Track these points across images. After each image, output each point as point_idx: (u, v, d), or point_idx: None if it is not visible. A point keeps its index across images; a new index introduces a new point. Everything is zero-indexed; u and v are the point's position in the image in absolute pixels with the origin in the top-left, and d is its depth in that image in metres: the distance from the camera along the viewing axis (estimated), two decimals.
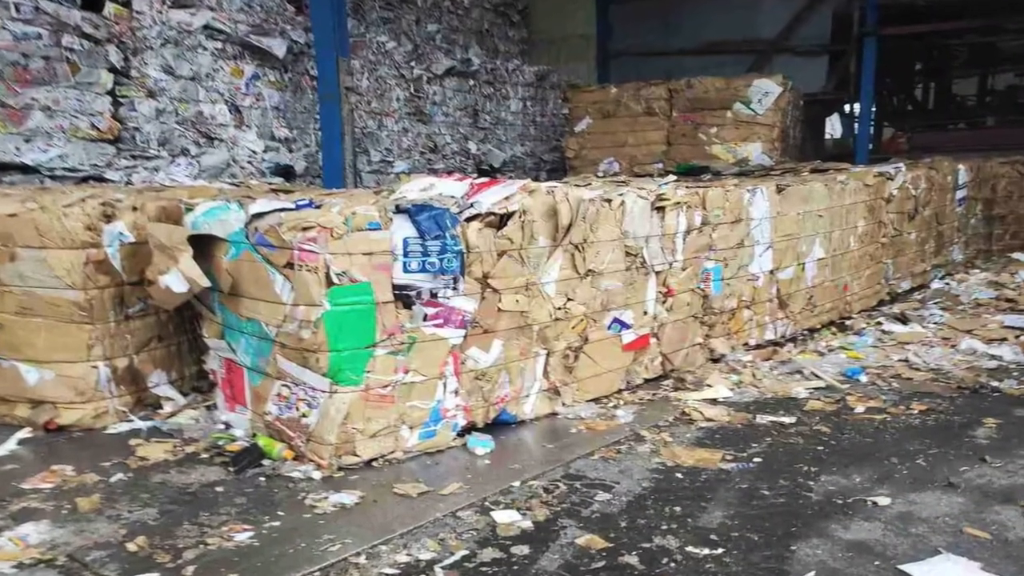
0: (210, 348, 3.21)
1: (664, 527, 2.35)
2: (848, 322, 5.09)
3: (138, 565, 2.15)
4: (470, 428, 3.09)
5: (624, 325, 3.63)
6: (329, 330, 2.66)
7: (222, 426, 3.14)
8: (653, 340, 3.81)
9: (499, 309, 3.05)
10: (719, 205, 4.03)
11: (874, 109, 11.62)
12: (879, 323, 5.03)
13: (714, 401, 3.56)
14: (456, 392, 3.00)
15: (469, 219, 2.93)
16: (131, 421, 3.24)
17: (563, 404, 3.41)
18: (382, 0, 8.66)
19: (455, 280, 2.88)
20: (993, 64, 14.11)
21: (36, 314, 3.14)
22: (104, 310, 3.17)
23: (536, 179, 3.94)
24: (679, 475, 2.76)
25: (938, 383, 3.82)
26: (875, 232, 5.40)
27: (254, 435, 2.98)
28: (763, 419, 3.33)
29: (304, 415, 2.79)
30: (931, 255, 6.35)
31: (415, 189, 3.10)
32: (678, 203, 3.76)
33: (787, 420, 3.31)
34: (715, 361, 4.15)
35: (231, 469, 2.77)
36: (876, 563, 2.14)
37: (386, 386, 2.80)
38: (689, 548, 2.22)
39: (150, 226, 3.09)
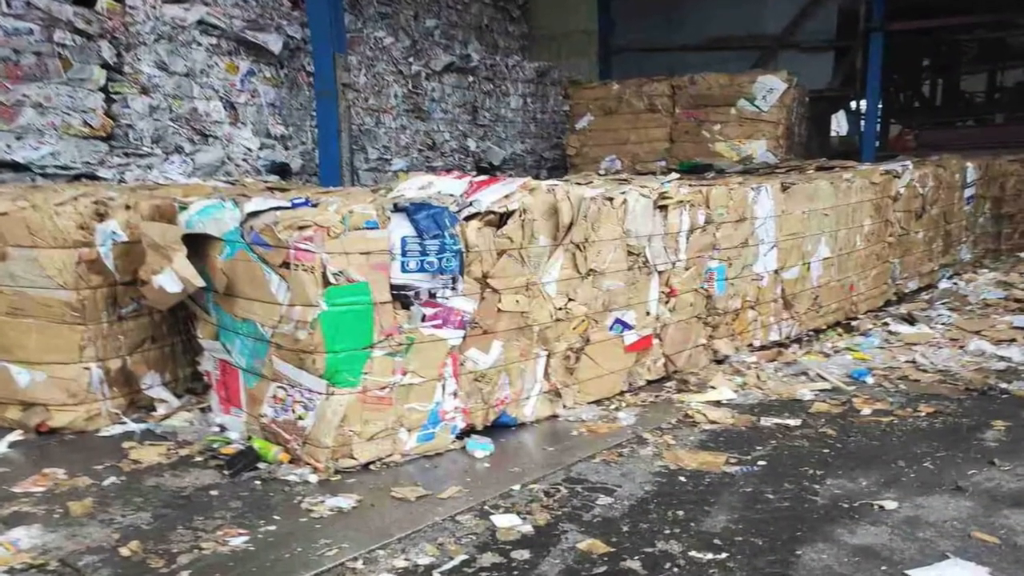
0: (204, 349, 3.19)
1: (667, 531, 2.33)
2: (854, 323, 5.07)
3: (131, 570, 2.13)
4: (469, 431, 3.07)
5: (626, 326, 3.61)
6: (326, 331, 2.64)
7: (217, 429, 3.12)
8: (656, 341, 3.79)
9: (499, 309, 3.03)
10: (723, 203, 4.00)
11: (881, 106, 11.59)
12: (886, 324, 5.01)
13: (718, 403, 3.54)
14: (455, 394, 2.97)
15: (468, 218, 2.91)
16: (124, 423, 3.22)
17: (564, 406, 3.39)
18: None
19: (454, 280, 2.86)
20: (1002, 60, 14.09)
21: (27, 315, 3.12)
22: (97, 310, 3.15)
23: (536, 177, 3.92)
24: (682, 478, 2.74)
25: (946, 385, 3.80)
26: (882, 231, 5.38)
27: (249, 438, 2.96)
28: (768, 421, 3.31)
29: (300, 417, 2.77)
30: (939, 254, 6.33)
31: (413, 187, 3.08)
32: (681, 201, 3.74)
33: (792, 422, 3.30)
34: (719, 362, 4.13)
35: (226, 472, 2.74)
36: (883, 568, 2.12)
37: (384, 388, 2.77)
38: (692, 553, 2.20)
39: (143, 225, 3.07)
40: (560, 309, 3.28)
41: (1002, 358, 4.19)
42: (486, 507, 2.50)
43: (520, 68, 10.01)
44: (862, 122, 11.20)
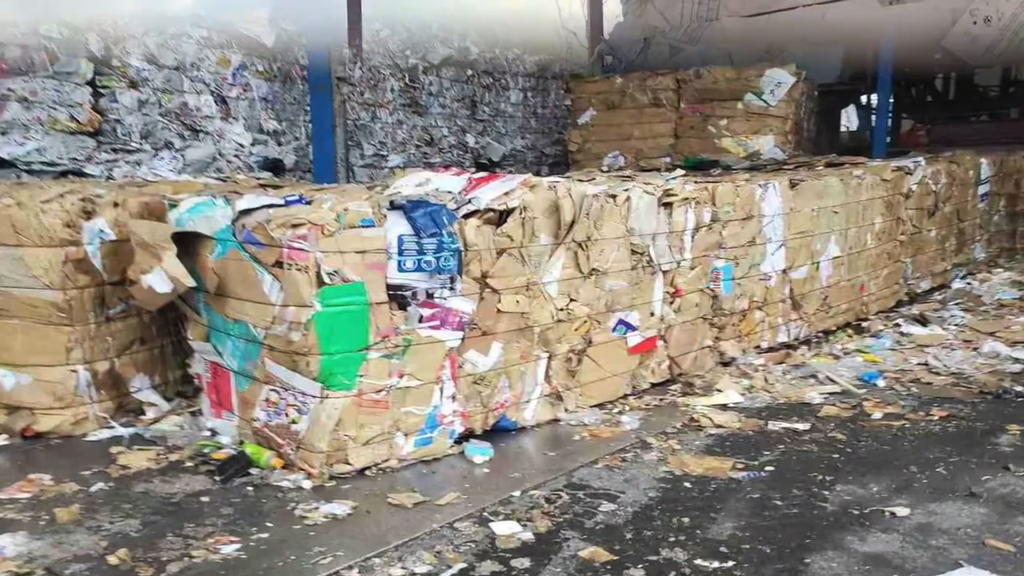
0: (195, 351, 3.18)
1: (672, 539, 2.31)
2: (865, 324, 5.07)
3: None
4: (468, 435, 3.05)
5: (629, 327, 3.58)
6: (320, 332, 2.61)
7: (208, 433, 3.12)
8: (660, 343, 3.77)
9: (498, 310, 3.01)
10: (729, 201, 3.98)
11: (892, 100, 11.46)
12: (897, 325, 5.00)
13: (724, 407, 3.53)
14: (453, 397, 2.95)
15: (467, 216, 2.89)
16: (112, 428, 3.21)
17: (566, 410, 3.37)
18: None
19: (452, 280, 2.84)
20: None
21: (12, 315, 3.11)
22: (84, 311, 3.14)
23: (537, 174, 3.90)
24: (687, 484, 2.72)
25: (959, 388, 3.78)
26: (893, 229, 5.36)
27: (241, 442, 2.94)
28: (775, 426, 3.29)
29: (294, 421, 2.74)
30: (952, 253, 6.31)
31: (410, 184, 3.06)
32: (686, 199, 3.72)
33: (801, 427, 3.28)
34: (725, 365, 4.12)
35: (217, 478, 2.72)
36: None
37: (380, 391, 2.75)
38: (698, 561, 2.18)
39: (132, 223, 3.05)
40: (561, 310, 3.25)
41: (1017, 360, 4.17)
42: (485, 514, 2.48)
43: (520, 61, 9.95)
44: (873, 117, 11.09)
